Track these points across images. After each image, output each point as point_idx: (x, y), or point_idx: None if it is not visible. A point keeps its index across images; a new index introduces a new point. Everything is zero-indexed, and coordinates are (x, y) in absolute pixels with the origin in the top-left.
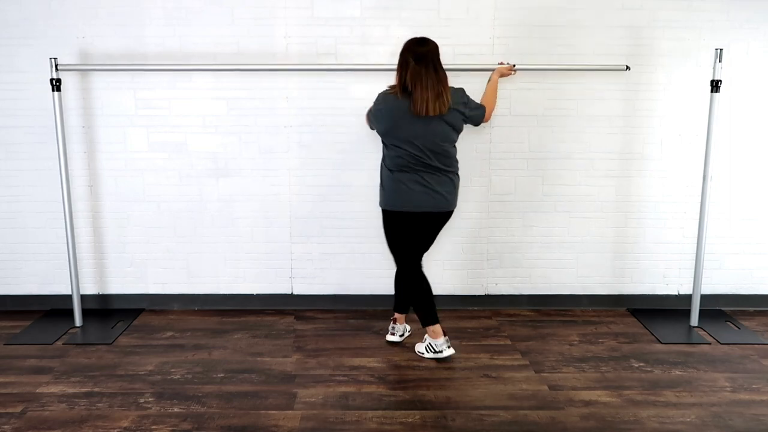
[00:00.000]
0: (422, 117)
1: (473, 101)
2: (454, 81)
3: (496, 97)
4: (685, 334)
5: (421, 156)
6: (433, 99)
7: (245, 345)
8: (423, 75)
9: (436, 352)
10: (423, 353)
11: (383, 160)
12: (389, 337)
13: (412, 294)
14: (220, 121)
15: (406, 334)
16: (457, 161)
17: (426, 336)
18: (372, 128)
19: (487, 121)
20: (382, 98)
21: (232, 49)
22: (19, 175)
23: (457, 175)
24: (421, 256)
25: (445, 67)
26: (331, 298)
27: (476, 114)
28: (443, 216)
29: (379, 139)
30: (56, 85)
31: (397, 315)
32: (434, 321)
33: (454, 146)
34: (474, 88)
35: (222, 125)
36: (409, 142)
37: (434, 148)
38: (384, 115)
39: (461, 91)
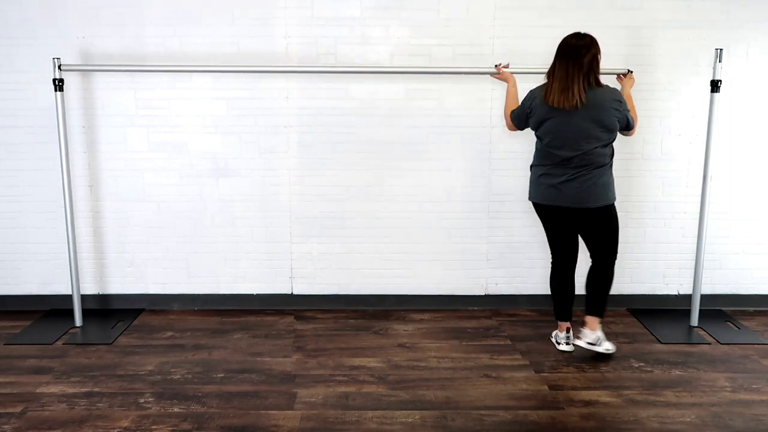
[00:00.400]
0: (565, 112)
1: (626, 106)
2: (454, 81)
3: (634, 110)
4: (685, 334)
5: (562, 151)
6: (558, 91)
7: (245, 345)
8: (557, 67)
9: (557, 343)
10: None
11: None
12: (579, 342)
13: (553, 287)
14: (220, 121)
15: (600, 343)
16: (606, 158)
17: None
18: (514, 128)
19: (633, 133)
20: (536, 93)
21: (232, 49)
22: (20, 175)
23: (606, 172)
24: (572, 255)
25: (444, 68)
26: (331, 298)
27: (628, 115)
28: (582, 213)
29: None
30: (59, 85)
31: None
32: (560, 318)
33: (605, 146)
34: (474, 87)
35: (222, 125)
36: (552, 135)
37: (576, 145)
38: (534, 110)
39: (615, 90)
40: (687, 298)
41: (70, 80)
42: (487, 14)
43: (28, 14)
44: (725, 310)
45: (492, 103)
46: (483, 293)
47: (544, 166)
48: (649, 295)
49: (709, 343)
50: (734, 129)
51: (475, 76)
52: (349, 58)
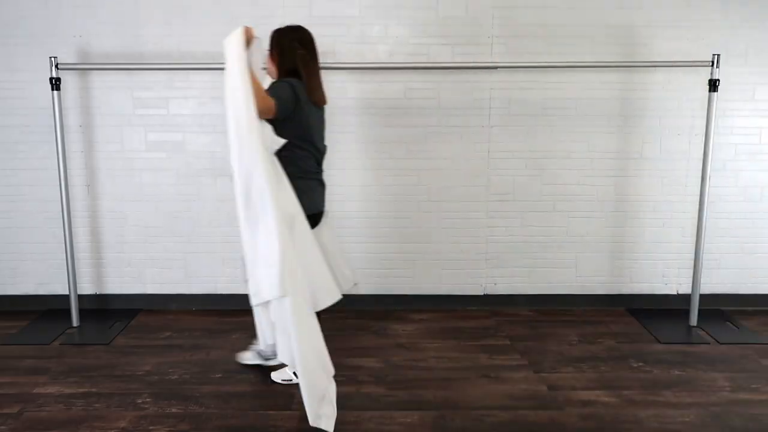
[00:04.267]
0: None
1: None
2: (452, 81)
3: None
4: (684, 334)
5: None
6: None
7: (243, 345)
8: None
9: None
10: None
11: None
12: None
13: None
14: (218, 120)
15: None
16: None
17: None
18: None
19: None
20: None
21: None
22: (16, 174)
23: None
24: None
25: (443, 65)
26: None
27: None
28: None
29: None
30: (56, 84)
31: None
32: None
33: None
34: (473, 87)
35: (220, 124)
36: None
37: None
38: None
39: None
40: (686, 298)
41: (67, 79)
42: (486, 13)
43: (25, 13)
44: (724, 310)
45: (491, 102)
46: (482, 293)
47: None
48: (648, 294)
49: (709, 343)
50: (733, 128)
51: (474, 75)
52: (348, 57)
